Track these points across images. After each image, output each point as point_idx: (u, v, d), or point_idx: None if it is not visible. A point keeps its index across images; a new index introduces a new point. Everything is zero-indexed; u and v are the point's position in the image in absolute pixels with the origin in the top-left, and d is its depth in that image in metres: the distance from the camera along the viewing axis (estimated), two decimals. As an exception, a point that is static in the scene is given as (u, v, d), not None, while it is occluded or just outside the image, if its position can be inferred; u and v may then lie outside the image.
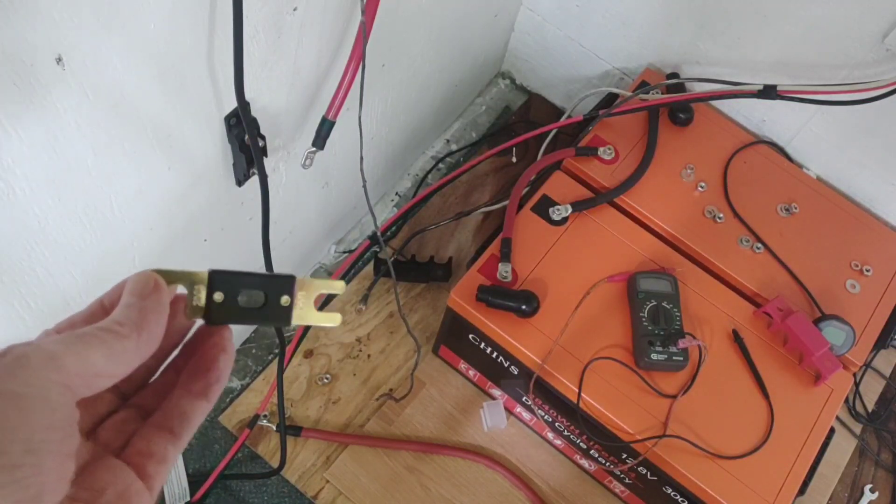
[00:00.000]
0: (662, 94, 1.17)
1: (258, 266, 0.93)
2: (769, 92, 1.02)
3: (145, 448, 0.32)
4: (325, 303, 1.26)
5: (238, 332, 1.23)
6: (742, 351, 1.04)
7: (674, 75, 1.23)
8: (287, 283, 0.35)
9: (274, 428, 1.16)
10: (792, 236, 1.14)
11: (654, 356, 0.98)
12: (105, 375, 0.29)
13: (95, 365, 0.28)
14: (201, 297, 0.34)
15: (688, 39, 1.23)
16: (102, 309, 0.33)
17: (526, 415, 1.20)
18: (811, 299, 1.09)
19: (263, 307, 0.35)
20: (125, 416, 0.33)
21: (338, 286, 0.37)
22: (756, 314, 1.07)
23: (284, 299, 0.35)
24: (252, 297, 0.35)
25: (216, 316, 0.35)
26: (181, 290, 0.34)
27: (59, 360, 0.27)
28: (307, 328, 1.22)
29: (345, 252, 1.35)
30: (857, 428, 1.30)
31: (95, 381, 0.29)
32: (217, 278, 0.34)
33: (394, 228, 1.36)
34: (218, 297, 0.34)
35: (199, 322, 0.35)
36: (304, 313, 0.36)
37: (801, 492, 0.98)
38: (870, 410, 1.31)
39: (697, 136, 1.21)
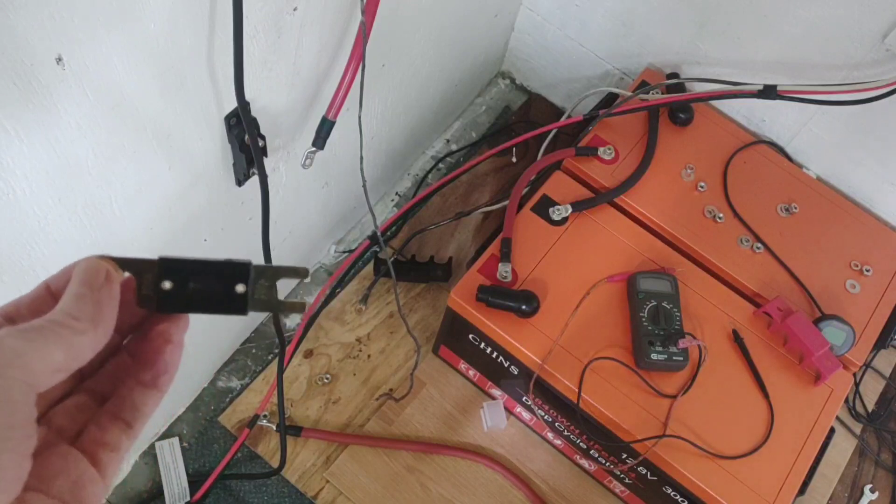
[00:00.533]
0: (662, 94, 1.17)
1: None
2: (769, 92, 1.02)
3: (99, 437, 0.31)
4: (327, 299, 1.26)
5: (238, 332, 1.23)
6: (742, 351, 1.04)
7: (674, 75, 1.23)
8: (242, 270, 0.34)
9: (274, 428, 1.16)
10: (792, 236, 1.14)
11: (654, 356, 0.98)
12: (63, 370, 0.28)
13: (56, 361, 0.28)
14: (152, 285, 0.33)
15: (688, 39, 1.23)
16: (49, 293, 0.32)
17: (526, 415, 1.20)
18: (811, 299, 1.09)
19: (217, 295, 0.33)
20: (79, 402, 0.33)
21: (300, 272, 0.35)
22: (756, 314, 1.07)
23: (240, 287, 0.33)
24: (204, 285, 0.33)
25: (165, 304, 0.33)
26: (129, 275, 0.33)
27: (23, 357, 0.27)
28: (307, 327, 1.22)
29: (345, 252, 1.35)
30: (857, 428, 1.30)
31: (54, 376, 0.28)
32: (166, 265, 0.33)
33: (394, 228, 1.36)
34: (167, 284, 0.33)
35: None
36: (266, 302, 0.34)
37: (801, 492, 0.98)
38: (870, 410, 1.31)
39: (697, 136, 1.21)
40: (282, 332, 1.06)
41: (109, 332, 0.30)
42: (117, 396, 0.33)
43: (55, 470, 0.29)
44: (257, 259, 0.87)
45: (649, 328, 1.00)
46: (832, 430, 1.02)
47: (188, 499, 1.11)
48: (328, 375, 1.23)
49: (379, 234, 1.03)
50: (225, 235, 0.95)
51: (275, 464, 1.14)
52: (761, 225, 1.14)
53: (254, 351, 1.25)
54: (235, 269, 0.34)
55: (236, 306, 0.34)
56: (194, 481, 1.12)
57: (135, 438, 0.33)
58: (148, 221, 0.79)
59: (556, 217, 1.09)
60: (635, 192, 1.12)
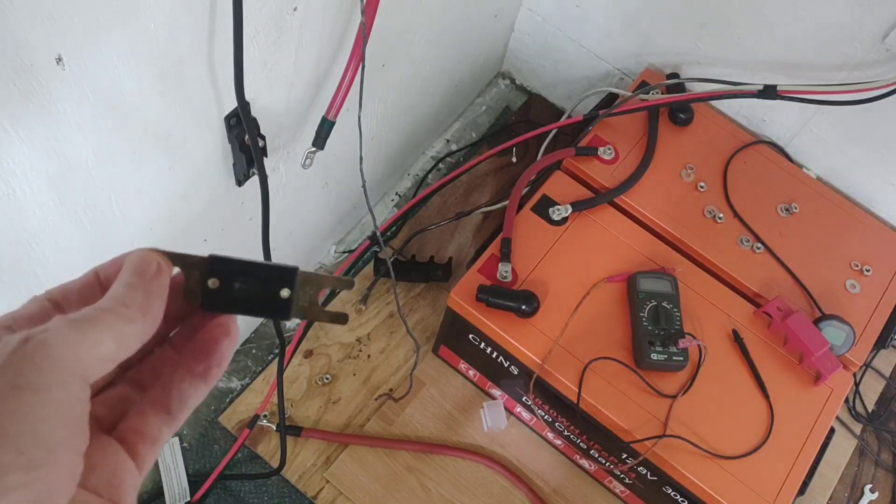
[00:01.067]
0: (662, 94, 1.17)
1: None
2: (769, 92, 1.02)
3: (140, 426, 0.31)
4: (328, 299, 1.26)
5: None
6: (742, 351, 1.04)
7: (674, 75, 1.23)
8: (288, 275, 0.33)
9: (274, 428, 1.16)
10: (792, 236, 1.14)
11: (654, 356, 0.98)
12: (113, 360, 0.28)
13: (108, 351, 0.28)
14: (199, 282, 0.33)
15: (688, 39, 1.23)
16: (98, 281, 0.32)
17: (526, 415, 1.20)
18: (811, 299, 1.09)
19: (261, 298, 0.33)
20: (121, 393, 0.32)
21: (347, 283, 0.35)
22: (756, 314, 1.07)
23: (284, 292, 0.33)
24: (249, 287, 0.33)
25: (211, 303, 0.33)
26: (178, 270, 0.33)
27: (77, 349, 0.26)
28: (307, 327, 1.22)
29: (345, 252, 1.35)
30: (857, 428, 1.30)
31: (105, 366, 0.28)
32: (214, 264, 0.33)
33: (394, 228, 1.36)
34: (213, 283, 0.33)
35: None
36: (308, 309, 0.34)
37: (801, 492, 0.98)
38: (870, 410, 1.31)
39: (697, 136, 1.21)
40: (282, 333, 1.06)
41: (157, 322, 0.30)
42: (162, 387, 0.32)
43: (93, 461, 0.28)
44: (258, 259, 0.87)
45: (649, 328, 1.00)
46: (832, 430, 1.02)
47: (188, 499, 1.11)
48: (328, 375, 1.23)
49: (379, 234, 1.03)
50: (225, 236, 0.95)
51: (275, 464, 1.14)
52: (761, 225, 1.14)
53: (254, 351, 1.25)
54: (282, 274, 0.33)
55: (280, 311, 0.33)
56: (194, 481, 1.13)
57: (174, 430, 0.32)
58: (148, 222, 0.79)
59: (556, 217, 1.09)
60: (635, 192, 1.12)
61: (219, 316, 0.33)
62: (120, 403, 0.32)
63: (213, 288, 0.33)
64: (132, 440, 0.30)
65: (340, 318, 0.35)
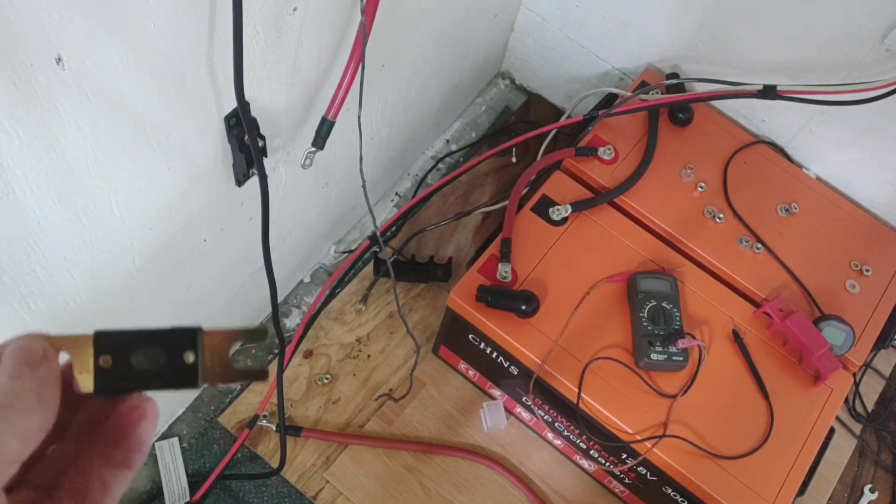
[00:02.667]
0: (662, 94, 1.17)
1: (257, 266, 0.93)
2: (769, 92, 1.02)
3: None
4: (327, 298, 1.26)
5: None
6: (742, 351, 1.04)
7: (673, 75, 1.23)
8: (189, 337, 0.30)
9: (274, 428, 1.16)
10: (792, 236, 1.14)
11: (653, 356, 0.98)
12: (20, 460, 0.25)
13: (12, 451, 0.25)
14: (89, 364, 0.29)
15: (688, 39, 1.23)
16: None
17: (526, 415, 1.20)
18: (811, 299, 1.09)
19: (164, 368, 0.30)
20: (26, 499, 0.29)
21: (259, 333, 0.31)
22: (756, 314, 1.07)
23: (189, 357, 0.30)
24: (148, 358, 0.30)
25: (104, 385, 0.29)
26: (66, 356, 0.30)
27: None
28: (307, 326, 1.22)
29: (344, 252, 1.35)
30: (857, 428, 1.30)
31: (11, 469, 0.25)
32: (102, 339, 0.29)
33: (393, 228, 1.36)
34: (104, 361, 0.29)
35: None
36: (219, 371, 0.30)
37: (801, 492, 0.98)
38: (870, 410, 1.31)
39: (697, 136, 1.21)
40: (281, 333, 1.06)
41: (55, 412, 0.27)
42: (79, 483, 0.29)
43: None
44: (257, 259, 0.87)
45: (649, 328, 1.00)
46: (832, 431, 1.02)
47: (188, 499, 1.11)
48: (328, 375, 1.23)
49: (379, 234, 1.03)
50: (225, 236, 0.95)
51: (274, 464, 1.14)
52: (761, 225, 1.14)
53: (253, 351, 1.25)
54: (182, 336, 0.30)
55: (186, 379, 0.30)
56: (194, 482, 1.12)
57: None
58: (148, 221, 0.79)
59: (555, 217, 1.09)
60: (635, 192, 1.12)
61: (133, 397, 0.30)
62: None
63: (105, 367, 0.29)
64: None
65: (259, 375, 0.32)
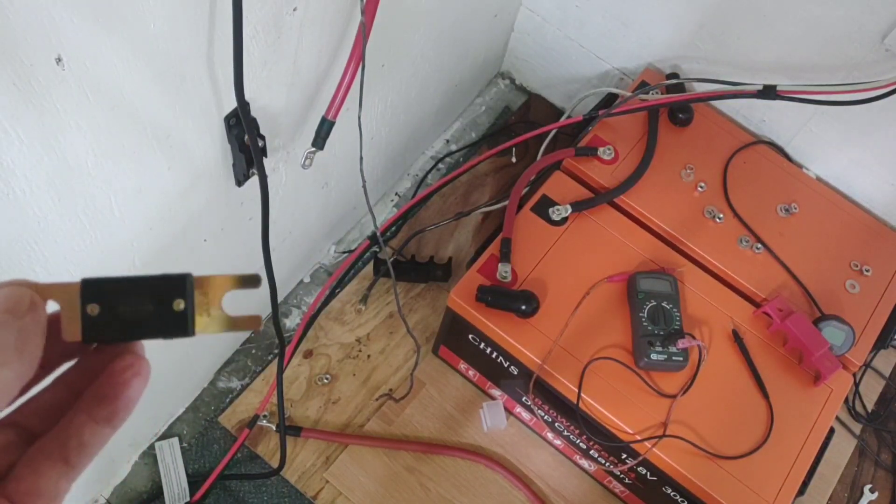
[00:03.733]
0: (662, 94, 1.17)
1: (257, 266, 0.93)
2: (769, 92, 1.02)
3: (34, 485, 0.27)
4: (327, 299, 1.26)
5: (236, 334, 1.23)
6: (742, 351, 1.04)
7: (673, 75, 1.23)
8: (178, 284, 0.29)
9: (274, 428, 1.16)
10: (792, 236, 1.14)
11: (653, 356, 0.98)
12: None
13: None
14: (77, 312, 0.28)
15: (687, 39, 1.23)
16: None
17: (526, 415, 1.20)
18: (811, 299, 1.09)
19: (153, 316, 0.29)
20: (4, 441, 0.28)
21: (251, 280, 0.30)
22: (756, 314, 1.07)
23: (178, 304, 0.29)
24: (136, 306, 0.29)
25: (92, 333, 0.28)
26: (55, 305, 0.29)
27: None
28: (307, 327, 1.22)
29: (344, 252, 1.35)
30: (857, 428, 1.30)
31: None
32: (90, 287, 0.28)
33: (393, 228, 1.36)
34: (92, 309, 0.28)
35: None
36: (211, 319, 0.30)
37: (801, 492, 0.98)
38: (869, 410, 1.31)
39: (697, 136, 1.21)
40: (281, 333, 1.06)
41: (35, 363, 0.27)
42: (58, 434, 0.28)
43: None
44: (257, 259, 0.87)
45: (649, 328, 1.00)
46: (832, 431, 1.02)
47: (188, 499, 1.11)
48: (328, 375, 1.23)
49: (378, 234, 1.03)
50: (225, 236, 0.95)
51: (274, 464, 1.14)
52: (761, 225, 1.14)
53: (253, 351, 1.25)
54: (171, 284, 0.29)
55: (177, 326, 0.29)
56: (194, 482, 1.12)
57: (74, 481, 0.28)
58: (148, 221, 0.79)
59: (555, 217, 1.09)
60: (635, 192, 1.12)
61: (127, 353, 0.29)
62: (5, 454, 0.28)
63: (93, 315, 0.28)
64: (23, 500, 0.26)
65: (252, 323, 0.31)
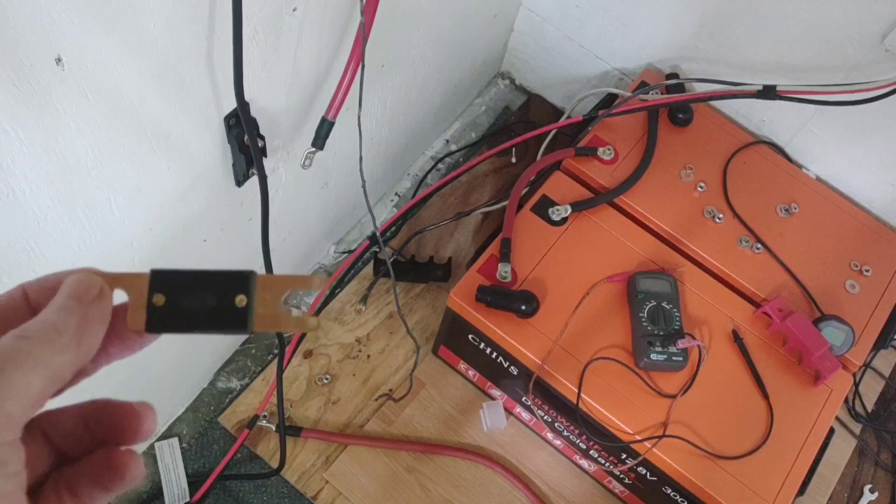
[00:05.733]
0: (662, 94, 1.17)
1: (257, 267, 0.93)
2: (768, 92, 1.02)
3: None
4: (327, 299, 1.26)
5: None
6: (742, 351, 1.04)
7: (673, 75, 1.23)
8: (241, 281, 0.29)
9: (273, 428, 1.16)
10: (792, 236, 1.14)
11: (653, 356, 0.98)
12: (44, 400, 0.25)
13: (35, 392, 0.24)
14: (143, 301, 0.29)
15: (687, 39, 1.23)
16: (26, 300, 0.28)
17: (525, 415, 1.20)
18: (811, 299, 1.09)
19: (215, 311, 0.29)
20: (37, 450, 0.28)
21: (312, 282, 0.31)
22: (756, 314, 1.07)
23: (240, 299, 0.29)
24: (200, 299, 0.29)
25: (157, 322, 0.29)
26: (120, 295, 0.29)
27: (5, 406, 0.23)
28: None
29: (344, 252, 1.35)
30: (857, 428, 1.30)
31: (34, 410, 0.24)
32: (158, 278, 0.29)
33: (393, 229, 1.36)
34: (157, 300, 0.29)
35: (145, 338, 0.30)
36: (270, 317, 0.30)
37: (801, 492, 0.98)
38: (869, 410, 1.31)
39: (697, 136, 1.21)
40: (281, 333, 1.06)
41: (92, 353, 0.27)
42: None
43: None
44: (257, 259, 0.87)
45: (649, 328, 1.00)
46: (832, 431, 1.02)
47: (188, 499, 1.11)
48: (328, 376, 1.23)
49: (378, 234, 1.03)
50: (224, 236, 0.95)
51: (274, 464, 1.14)
52: (761, 225, 1.14)
53: (253, 351, 1.25)
54: (236, 280, 0.30)
55: (237, 322, 0.30)
56: (194, 482, 1.12)
57: None
58: (147, 222, 0.79)
59: (555, 217, 1.09)
60: (635, 192, 1.12)
61: (125, 451, 0.29)
62: (35, 463, 0.28)
63: (158, 306, 0.29)
64: None
65: (308, 325, 0.31)
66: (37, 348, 0.25)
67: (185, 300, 0.29)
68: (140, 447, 1.15)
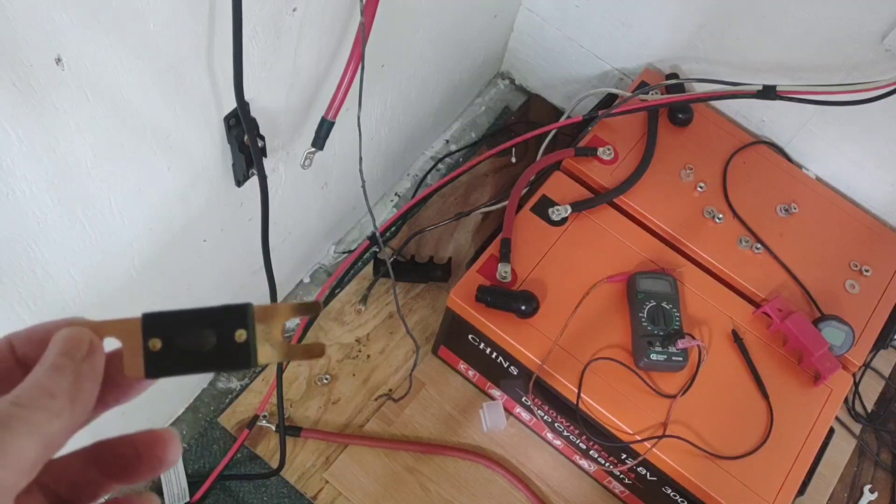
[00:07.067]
0: (662, 94, 1.17)
1: (257, 267, 0.93)
2: (768, 92, 1.02)
3: None
4: (327, 299, 1.26)
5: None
6: (742, 351, 1.04)
7: (673, 75, 1.23)
8: (239, 315, 0.28)
9: (273, 428, 1.16)
10: (791, 236, 1.14)
11: (653, 356, 0.98)
12: (38, 467, 0.24)
13: (28, 459, 0.23)
14: (139, 348, 0.28)
15: (687, 39, 1.23)
16: (12, 352, 0.27)
17: (525, 415, 1.20)
18: (811, 299, 1.09)
19: (216, 348, 0.28)
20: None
21: (312, 307, 0.30)
22: (756, 314, 1.07)
23: (239, 334, 0.28)
24: (198, 338, 0.28)
25: (156, 368, 0.28)
26: (112, 342, 0.28)
27: None
28: (307, 327, 1.22)
29: (344, 252, 1.35)
30: (857, 428, 1.30)
31: (28, 477, 0.23)
32: (151, 322, 0.28)
33: (393, 229, 1.36)
34: (153, 345, 0.28)
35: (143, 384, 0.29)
36: (273, 348, 0.29)
37: (801, 492, 0.98)
38: (869, 410, 1.31)
39: (697, 136, 1.21)
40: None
41: (88, 412, 0.26)
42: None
43: None
44: (257, 259, 0.87)
45: (649, 328, 1.00)
46: (831, 431, 1.02)
47: (188, 499, 1.11)
48: (327, 376, 1.23)
49: (378, 234, 1.03)
50: (224, 236, 0.95)
51: (274, 464, 1.14)
52: (761, 225, 1.14)
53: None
54: (232, 314, 0.29)
55: (240, 358, 0.29)
56: (194, 482, 1.12)
57: None
58: (147, 222, 0.79)
59: (555, 217, 1.09)
60: (635, 192, 1.12)
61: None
62: None
63: (155, 351, 0.28)
64: None
65: (315, 351, 0.30)
66: (30, 415, 0.24)
67: (183, 341, 0.28)
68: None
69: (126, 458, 0.28)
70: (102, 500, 0.29)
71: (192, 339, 0.28)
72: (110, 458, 0.29)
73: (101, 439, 0.29)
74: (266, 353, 0.29)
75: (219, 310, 0.29)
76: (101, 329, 0.28)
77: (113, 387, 0.28)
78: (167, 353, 0.28)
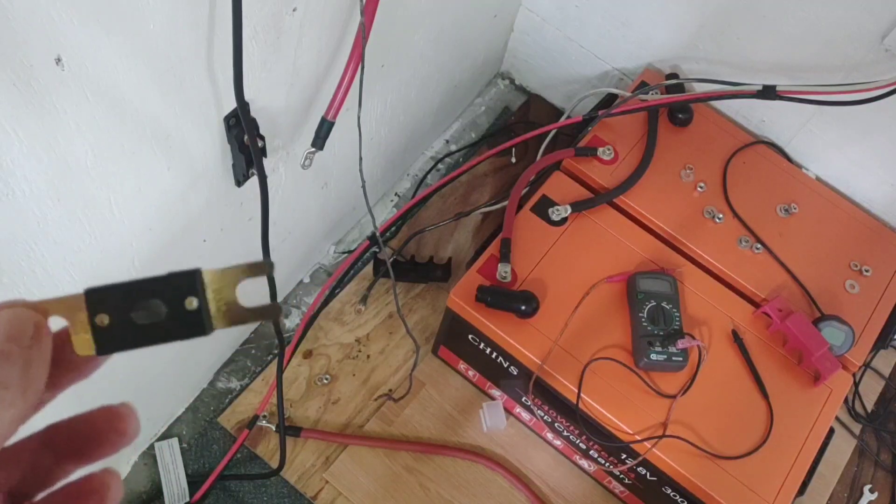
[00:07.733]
0: (661, 94, 1.17)
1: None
2: (768, 92, 1.02)
3: None
4: (327, 298, 1.26)
5: (237, 333, 1.23)
6: (742, 351, 1.04)
7: (673, 75, 1.23)
8: (187, 282, 0.27)
9: (273, 428, 1.16)
10: (791, 236, 1.14)
11: (653, 356, 0.98)
12: None
13: None
14: (86, 325, 0.27)
15: (687, 39, 1.23)
16: None
17: (525, 415, 1.20)
18: (811, 299, 1.09)
19: (167, 319, 0.27)
20: None
21: (262, 267, 0.28)
22: (756, 314, 1.07)
23: (189, 302, 0.27)
24: (147, 310, 0.27)
25: (106, 344, 0.27)
26: (57, 320, 0.27)
27: None
28: (307, 327, 1.22)
29: (344, 252, 1.35)
30: (857, 428, 1.30)
31: None
32: (95, 297, 0.27)
33: (393, 229, 1.36)
34: (101, 320, 0.27)
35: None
36: (227, 313, 0.28)
37: (801, 492, 0.98)
38: (869, 410, 1.31)
39: (697, 136, 1.21)
40: (281, 333, 1.06)
41: (38, 398, 0.25)
42: None
43: None
44: (257, 259, 0.87)
45: (649, 328, 1.00)
46: (831, 431, 1.02)
47: (187, 499, 1.11)
48: (327, 376, 1.23)
49: (378, 234, 1.03)
50: (224, 236, 0.95)
51: (274, 464, 1.14)
52: (761, 225, 1.14)
53: (253, 352, 1.25)
54: (181, 281, 0.27)
55: (193, 326, 0.27)
56: (194, 482, 1.12)
57: None
58: (147, 222, 0.79)
59: (555, 217, 1.09)
60: (635, 192, 1.12)
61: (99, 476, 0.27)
62: None
63: (103, 326, 0.27)
64: None
65: (271, 311, 0.29)
66: None
67: (132, 314, 0.27)
68: (134, 452, 1.14)
69: (84, 436, 0.27)
70: (59, 485, 0.28)
71: (141, 311, 0.27)
72: (66, 440, 0.28)
73: (53, 422, 0.28)
74: (220, 319, 0.28)
75: (165, 278, 0.27)
76: (44, 309, 0.26)
77: (64, 368, 0.27)
78: (117, 328, 0.27)
